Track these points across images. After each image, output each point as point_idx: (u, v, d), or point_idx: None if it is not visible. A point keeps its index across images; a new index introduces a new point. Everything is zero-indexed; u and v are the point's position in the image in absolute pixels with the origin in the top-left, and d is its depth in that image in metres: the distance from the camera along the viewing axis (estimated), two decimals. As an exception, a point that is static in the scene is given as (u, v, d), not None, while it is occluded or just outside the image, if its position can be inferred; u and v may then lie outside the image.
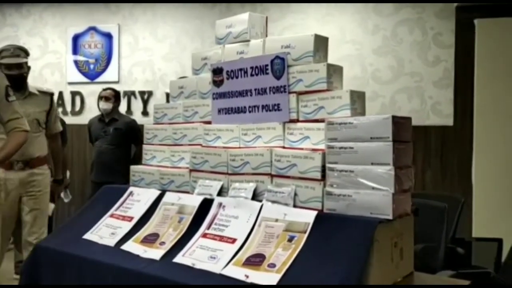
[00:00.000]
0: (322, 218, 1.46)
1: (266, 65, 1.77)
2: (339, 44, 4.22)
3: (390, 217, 1.40)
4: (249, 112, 1.85)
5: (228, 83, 1.91)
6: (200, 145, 1.98)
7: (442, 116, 4.17)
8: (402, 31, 4.23)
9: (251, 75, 1.83)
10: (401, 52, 4.23)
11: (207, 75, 2.02)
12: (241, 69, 1.86)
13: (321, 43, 1.71)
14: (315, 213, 1.48)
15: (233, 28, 1.93)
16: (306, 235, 1.44)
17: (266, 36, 1.94)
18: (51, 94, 3.14)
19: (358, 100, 1.61)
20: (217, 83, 1.95)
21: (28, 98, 2.97)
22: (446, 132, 4.14)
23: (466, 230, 3.72)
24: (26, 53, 3.02)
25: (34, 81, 3.53)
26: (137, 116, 4.65)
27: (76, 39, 4.91)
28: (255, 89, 1.82)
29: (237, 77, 1.88)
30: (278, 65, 1.74)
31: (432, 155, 4.18)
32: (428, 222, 2.61)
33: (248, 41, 1.89)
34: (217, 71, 1.95)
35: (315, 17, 4.35)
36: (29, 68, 3.04)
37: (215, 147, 1.91)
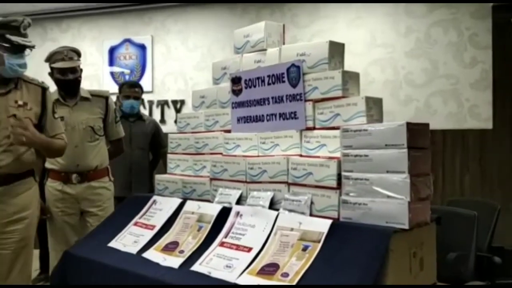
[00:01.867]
0: (336, 227, 1.44)
1: (282, 74, 1.77)
2: (370, 48, 4.14)
3: (406, 226, 1.36)
4: (267, 120, 1.86)
5: (247, 92, 1.93)
6: (221, 153, 2.00)
7: (481, 120, 4.00)
8: (436, 32, 4.10)
9: (268, 83, 1.84)
10: (435, 54, 4.10)
11: (226, 85, 2.04)
12: (258, 78, 1.87)
13: (336, 49, 1.69)
14: (329, 222, 1.46)
15: (250, 37, 1.95)
16: (320, 245, 1.42)
17: (283, 44, 1.94)
18: (106, 97, 2.77)
19: (374, 106, 1.58)
20: (236, 92, 1.97)
21: (80, 103, 2.66)
22: (485, 135, 3.97)
23: (509, 238, 3.54)
24: (79, 54, 2.69)
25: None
26: (170, 125, 4.75)
27: (112, 51, 5.07)
28: (272, 98, 1.83)
29: (254, 86, 1.89)
30: (293, 73, 1.73)
31: (471, 160, 4.01)
32: (462, 231, 2.52)
33: (265, 49, 1.90)
34: (235, 80, 1.96)
35: (345, 21, 4.29)
36: (81, 71, 2.70)
37: (235, 155, 1.92)
